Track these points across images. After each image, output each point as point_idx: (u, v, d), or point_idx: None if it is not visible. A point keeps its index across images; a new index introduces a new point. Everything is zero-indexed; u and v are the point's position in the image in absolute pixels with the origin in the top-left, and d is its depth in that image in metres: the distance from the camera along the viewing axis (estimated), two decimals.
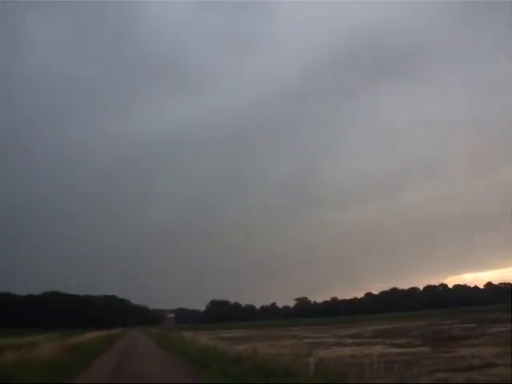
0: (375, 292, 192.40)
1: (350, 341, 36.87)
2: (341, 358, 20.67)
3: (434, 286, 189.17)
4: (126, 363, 21.17)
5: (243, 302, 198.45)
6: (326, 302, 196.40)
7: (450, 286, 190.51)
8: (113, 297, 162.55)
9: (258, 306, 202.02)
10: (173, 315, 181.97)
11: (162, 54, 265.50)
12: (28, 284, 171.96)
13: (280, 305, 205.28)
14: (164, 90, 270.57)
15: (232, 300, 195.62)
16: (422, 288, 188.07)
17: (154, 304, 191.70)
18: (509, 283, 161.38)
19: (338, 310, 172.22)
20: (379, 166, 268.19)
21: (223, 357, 19.05)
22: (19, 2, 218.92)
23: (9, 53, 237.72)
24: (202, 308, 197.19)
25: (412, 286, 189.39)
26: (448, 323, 54.49)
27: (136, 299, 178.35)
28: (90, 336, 48.99)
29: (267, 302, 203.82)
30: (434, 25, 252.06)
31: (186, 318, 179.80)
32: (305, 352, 18.93)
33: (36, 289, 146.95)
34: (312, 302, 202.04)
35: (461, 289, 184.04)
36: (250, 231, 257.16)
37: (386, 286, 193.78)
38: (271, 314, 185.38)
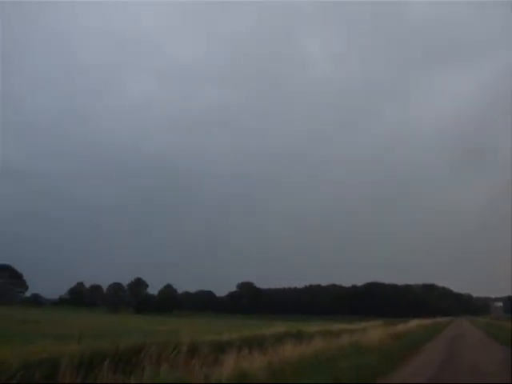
0: None
1: None
2: None
3: None
4: (455, 353, 20.68)
5: None
6: None
7: None
8: (432, 285, 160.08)
9: None
10: (500, 304, 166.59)
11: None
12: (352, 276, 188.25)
13: None
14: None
15: None
16: None
17: (478, 292, 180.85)
18: None
19: None
20: None
21: None
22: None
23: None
24: None
25: None
26: None
27: (458, 287, 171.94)
28: (414, 324, 49.65)
29: None
30: None
31: None
32: None
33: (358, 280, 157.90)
34: None
35: None
36: None
37: None
38: None
